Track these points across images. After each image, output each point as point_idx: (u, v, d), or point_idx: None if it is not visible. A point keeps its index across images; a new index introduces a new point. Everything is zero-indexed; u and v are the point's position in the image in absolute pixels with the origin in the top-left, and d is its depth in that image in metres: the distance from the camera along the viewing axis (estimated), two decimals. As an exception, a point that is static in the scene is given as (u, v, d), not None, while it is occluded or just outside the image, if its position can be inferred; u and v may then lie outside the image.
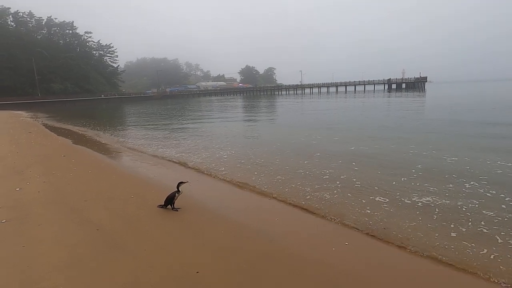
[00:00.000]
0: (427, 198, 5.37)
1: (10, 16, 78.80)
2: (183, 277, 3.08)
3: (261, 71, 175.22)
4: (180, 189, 4.76)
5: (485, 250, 3.64)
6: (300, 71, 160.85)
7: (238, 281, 3.05)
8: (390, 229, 4.27)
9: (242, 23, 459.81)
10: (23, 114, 37.10)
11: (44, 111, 48.37)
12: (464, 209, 4.90)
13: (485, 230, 4.17)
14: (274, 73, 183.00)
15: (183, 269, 3.21)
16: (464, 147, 9.46)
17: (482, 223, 4.38)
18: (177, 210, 4.81)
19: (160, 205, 4.91)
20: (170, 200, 4.76)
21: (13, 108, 51.87)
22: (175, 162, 9.02)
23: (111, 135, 16.83)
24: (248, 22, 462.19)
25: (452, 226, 4.32)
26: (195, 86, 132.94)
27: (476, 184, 6.04)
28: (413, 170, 7.09)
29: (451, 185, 6.01)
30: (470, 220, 4.49)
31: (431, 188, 5.85)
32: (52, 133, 17.95)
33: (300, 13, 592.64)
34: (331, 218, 4.68)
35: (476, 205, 5.00)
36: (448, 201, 5.20)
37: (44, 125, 23.16)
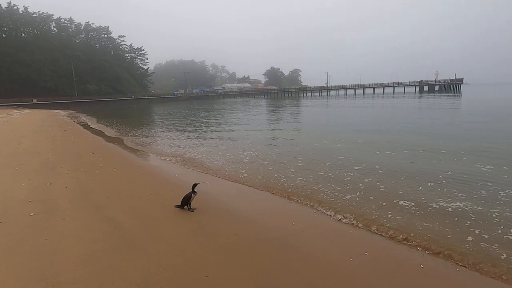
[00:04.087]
0: (457, 204, 5.06)
1: (53, 22, 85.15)
2: (193, 280, 3.04)
3: (286, 73, 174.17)
4: (195, 190, 4.76)
5: None
6: (326, 72, 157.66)
7: (249, 288, 2.95)
8: (413, 237, 4.00)
9: (268, 25, 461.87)
10: (61, 113, 39.77)
11: (80, 110, 51.69)
12: (495, 215, 4.57)
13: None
14: (299, 75, 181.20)
15: (193, 272, 3.17)
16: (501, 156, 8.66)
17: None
18: (193, 211, 4.82)
19: (177, 205, 4.94)
20: (186, 201, 4.78)
21: (53, 107, 55.84)
22: (197, 163, 9.13)
23: (138, 134, 17.47)
24: (273, 25, 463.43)
25: (477, 231, 3.98)
26: (220, 88, 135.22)
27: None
28: (441, 176, 6.71)
29: (483, 192, 5.65)
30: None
31: (460, 195, 5.54)
32: (86, 130, 19.05)
33: (327, 16, 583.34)
34: (351, 223, 4.48)
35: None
36: (480, 208, 4.91)
37: (79, 123, 24.65)
